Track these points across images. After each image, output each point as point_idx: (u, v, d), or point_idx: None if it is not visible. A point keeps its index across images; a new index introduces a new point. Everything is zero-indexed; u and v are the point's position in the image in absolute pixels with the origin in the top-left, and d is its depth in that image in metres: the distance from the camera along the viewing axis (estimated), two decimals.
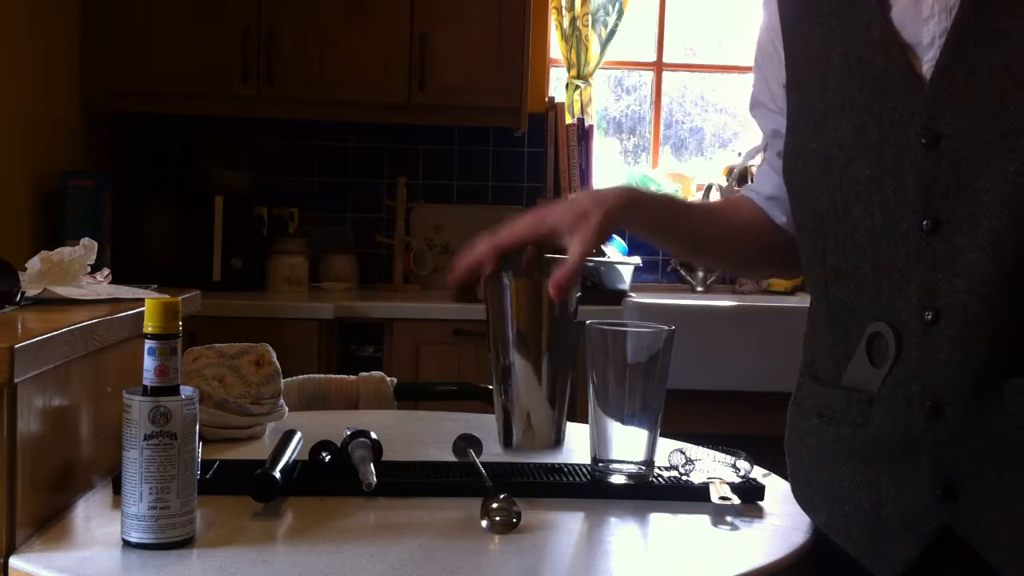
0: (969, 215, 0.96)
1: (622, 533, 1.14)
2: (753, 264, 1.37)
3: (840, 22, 1.05)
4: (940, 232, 0.97)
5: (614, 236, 3.51)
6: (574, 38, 3.66)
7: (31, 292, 1.28)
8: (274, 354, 1.49)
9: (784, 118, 1.18)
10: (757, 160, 1.33)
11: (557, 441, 1.20)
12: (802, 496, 1.14)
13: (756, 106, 1.25)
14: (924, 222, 0.98)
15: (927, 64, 0.99)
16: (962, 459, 0.97)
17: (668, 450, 1.29)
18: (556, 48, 3.74)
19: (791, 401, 1.16)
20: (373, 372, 1.86)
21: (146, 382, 0.99)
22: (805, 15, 1.10)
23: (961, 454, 0.97)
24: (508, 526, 1.07)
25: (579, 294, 1.20)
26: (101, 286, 1.40)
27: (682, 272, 3.65)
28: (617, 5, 3.67)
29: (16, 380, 0.96)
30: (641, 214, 1.20)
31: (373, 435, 1.23)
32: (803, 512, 1.15)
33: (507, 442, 1.21)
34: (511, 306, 1.17)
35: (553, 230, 1.13)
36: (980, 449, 0.97)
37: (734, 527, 1.15)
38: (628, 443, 1.21)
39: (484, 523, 1.07)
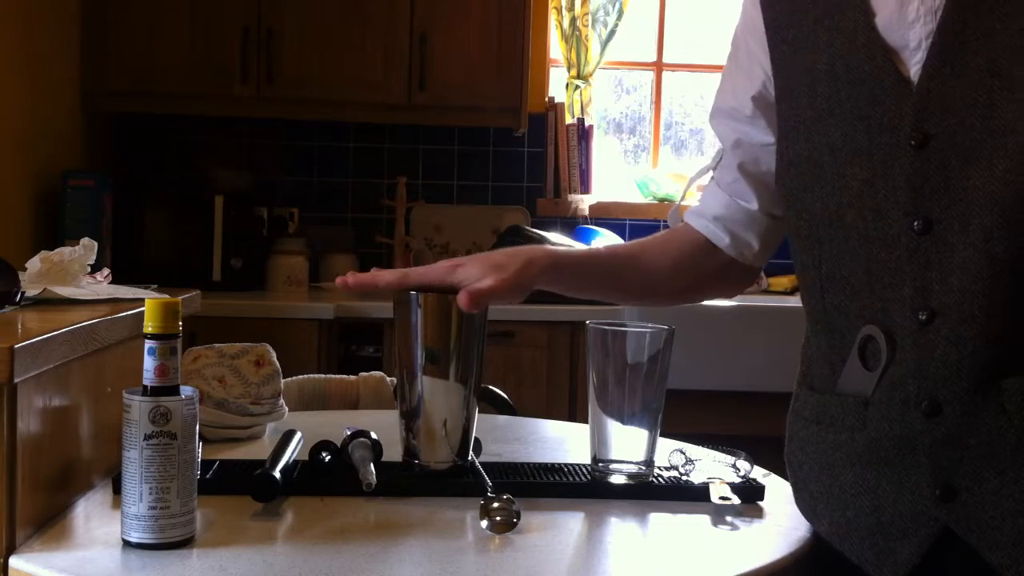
0: (960, 214, 0.96)
1: (622, 533, 1.14)
2: (687, 295, 1.34)
3: (825, 30, 1.05)
4: (932, 232, 0.97)
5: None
6: (574, 38, 3.66)
7: (31, 292, 1.27)
8: (274, 354, 1.49)
9: (750, 127, 1.19)
10: (704, 180, 1.32)
11: (462, 456, 1.21)
12: (805, 506, 1.14)
13: (718, 115, 1.24)
14: (915, 223, 0.98)
15: (914, 67, 1.00)
16: (960, 459, 0.97)
17: (668, 450, 1.29)
18: (556, 48, 3.74)
19: (789, 411, 1.15)
20: (373, 372, 1.86)
21: (146, 382, 0.99)
22: (790, 24, 1.10)
23: (959, 453, 0.97)
24: (508, 526, 1.07)
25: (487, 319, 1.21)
26: (101, 286, 1.40)
27: None
28: (617, 5, 3.67)
29: (16, 380, 0.96)
30: (559, 275, 1.22)
31: (373, 435, 1.23)
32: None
33: (409, 455, 1.21)
34: (419, 321, 1.17)
35: (463, 282, 1.14)
36: (978, 448, 0.97)
37: (734, 527, 1.15)
38: (628, 443, 1.21)
39: (484, 523, 1.07)
